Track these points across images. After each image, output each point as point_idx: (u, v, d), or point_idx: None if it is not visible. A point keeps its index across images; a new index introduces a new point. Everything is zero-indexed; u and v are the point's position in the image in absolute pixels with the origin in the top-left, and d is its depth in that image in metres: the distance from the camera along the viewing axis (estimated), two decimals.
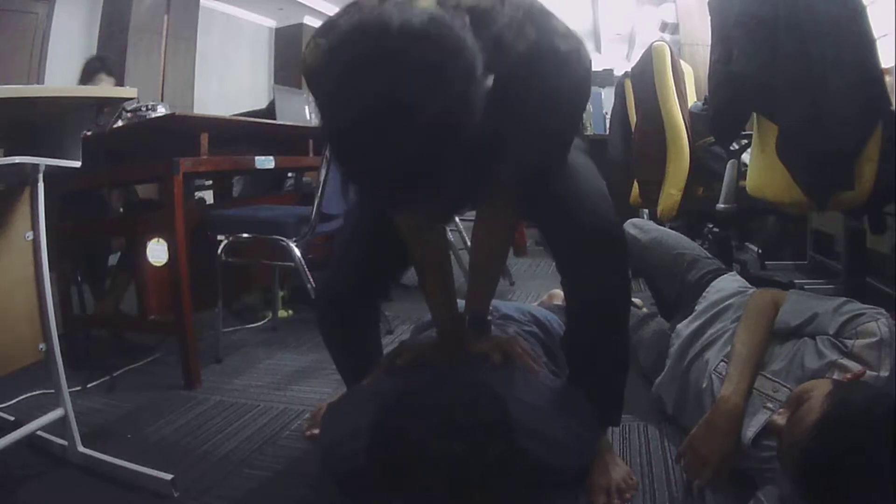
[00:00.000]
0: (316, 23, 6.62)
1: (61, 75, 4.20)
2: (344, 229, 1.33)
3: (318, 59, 0.78)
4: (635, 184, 2.82)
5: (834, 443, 0.81)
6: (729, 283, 1.49)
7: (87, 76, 2.69)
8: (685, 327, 1.41)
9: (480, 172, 0.77)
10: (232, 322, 2.33)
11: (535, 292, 2.71)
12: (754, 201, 1.67)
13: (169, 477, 1.16)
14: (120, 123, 2.17)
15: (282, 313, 2.45)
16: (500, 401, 0.85)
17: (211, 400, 1.64)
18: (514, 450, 0.81)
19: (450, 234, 2.61)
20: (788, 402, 0.93)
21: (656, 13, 6.19)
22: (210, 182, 2.95)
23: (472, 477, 0.75)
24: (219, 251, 1.92)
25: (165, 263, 1.77)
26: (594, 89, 4.48)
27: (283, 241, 1.85)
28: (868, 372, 1.00)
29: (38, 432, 1.27)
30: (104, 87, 2.55)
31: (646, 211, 3.09)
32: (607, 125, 3.63)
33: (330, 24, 0.84)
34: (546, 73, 0.82)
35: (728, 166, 1.90)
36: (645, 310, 1.91)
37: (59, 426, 1.26)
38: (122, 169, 2.02)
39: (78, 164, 1.23)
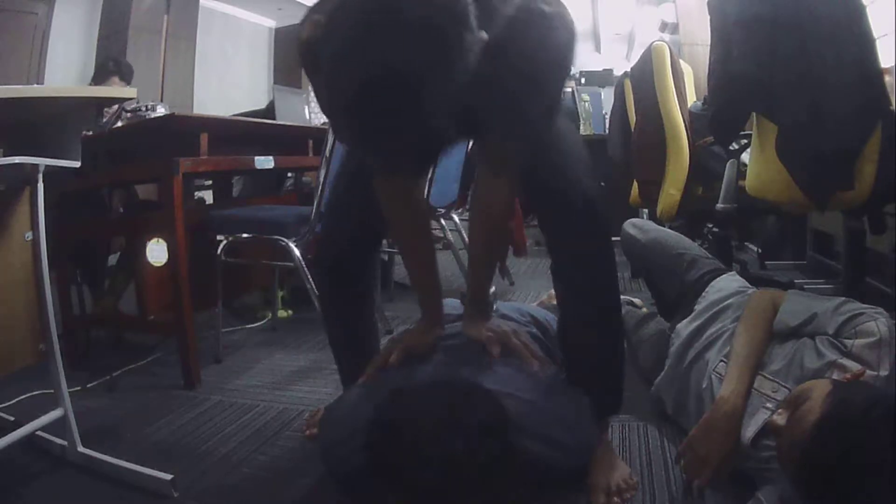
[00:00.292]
0: None
1: (61, 75, 4.20)
2: (336, 188, 1.38)
3: (318, 30, 0.79)
4: (635, 184, 2.82)
5: (833, 443, 0.81)
6: (728, 282, 1.49)
7: (101, 77, 2.71)
8: (685, 327, 1.41)
9: (470, 120, 0.85)
10: (232, 322, 2.33)
11: (534, 292, 2.71)
12: (754, 201, 1.67)
13: (169, 477, 1.16)
14: (120, 123, 2.18)
15: (281, 313, 2.45)
16: (498, 399, 0.85)
17: (211, 400, 1.64)
18: (512, 449, 0.81)
19: (449, 234, 2.62)
20: (788, 402, 0.94)
21: (656, 13, 6.19)
22: (210, 182, 2.95)
23: (469, 476, 0.75)
24: (218, 251, 1.91)
25: (165, 263, 1.77)
26: (594, 89, 4.49)
27: (282, 241, 1.85)
28: (868, 372, 1.00)
29: (38, 432, 1.27)
30: (103, 88, 2.56)
31: (645, 211, 3.09)
32: (607, 125, 3.63)
33: (322, 2, 0.86)
34: (532, 32, 0.88)
35: (728, 166, 1.90)
36: (645, 310, 1.91)
37: (59, 426, 1.26)
38: (122, 169, 2.02)
39: (78, 164, 1.23)
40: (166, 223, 1.70)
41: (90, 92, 1.72)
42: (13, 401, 1.58)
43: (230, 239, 1.92)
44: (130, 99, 2.21)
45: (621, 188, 2.93)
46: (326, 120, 2.48)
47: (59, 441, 1.29)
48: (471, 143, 2.58)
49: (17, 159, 1.13)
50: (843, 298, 1.15)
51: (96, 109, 1.95)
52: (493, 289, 1.23)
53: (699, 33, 4.23)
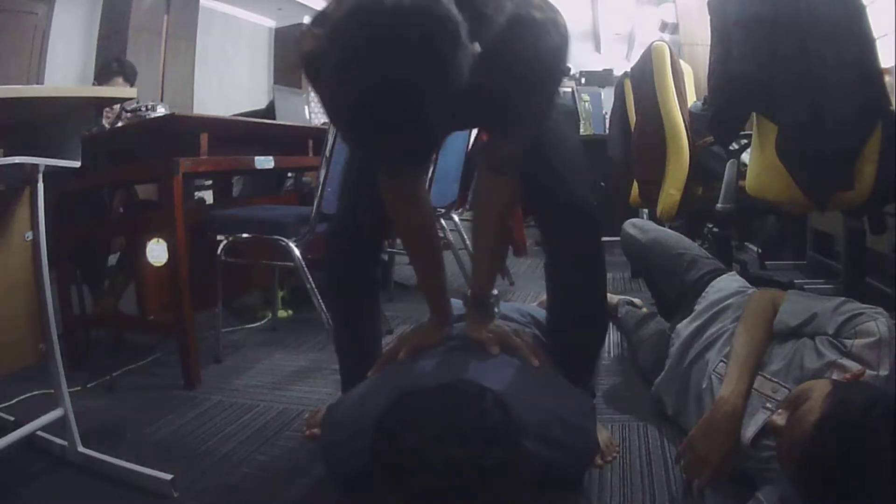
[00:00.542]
0: None
1: (61, 75, 4.20)
2: (345, 181, 1.41)
3: (319, 43, 0.82)
4: (635, 184, 2.82)
5: (833, 443, 0.81)
6: (728, 282, 1.49)
7: (105, 77, 2.70)
8: (685, 327, 1.41)
9: (467, 116, 0.92)
10: (232, 322, 2.33)
11: (534, 292, 2.71)
12: (754, 201, 1.67)
13: (169, 477, 1.16)
14: (120, 123, 2.18)
15: (281, 313, 2.45)
16: (502, 401, 0.85)
17: (211, 400, 1.64)
18: (515, 451, 0.81)
19: (449, 234, 2.62)
20: (788, 402, 0.93)
21: (656, 13, 6.19)
22: (210, 182, 2.95)
23: (473, 480, 0.75)
24: (218, 251, 1.91)
25: (165, 263, 1.77)
26: (594, 89, 4.49)
27: (282, 241, 1.85)
28: (867, 372, 1.00)
29: (38, 432, 1.27)
30: (103, 88, 2.56)
31: (645, 211, 3.08)
32: (607, 125, 3.63)
33: (323, 15, 0.89)
34: (524, 41, 0.91)
35: (728, 166, 1.90)
36: (645, 310, 1.92)
37: (59, 426, 1.26)
38: (122, 169, 2.02)
39: (78, 164, 1.23)
40: (166, 223, 1.70)
41: (90, 92, 1.72)
42: (13, 401, 1.58)
43: (230, 239, 1.92)
44: (131, 99, 2.22)
45: (621, 188, 2.93)
46: (327, 120, 2.49)
47: (59, 441, 1.29)
48: (471, 144, 2.59)
49: (17, 159, 1.13)
50: (843, 298, 1.15)
51: (96, 109, 1.95)
52: (495, 291, 1.25)
53: (699, 33, 4.23)
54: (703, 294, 1.48)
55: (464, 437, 0.75)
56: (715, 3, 1.58)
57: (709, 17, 1.60)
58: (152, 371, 1.89)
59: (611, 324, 1.93)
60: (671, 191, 2.20)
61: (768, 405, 1.04)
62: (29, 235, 1.24)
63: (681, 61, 2.34)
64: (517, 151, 1.07)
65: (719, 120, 1.63)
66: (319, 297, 1.89)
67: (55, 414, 1.24)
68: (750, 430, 1.03)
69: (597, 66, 5.95)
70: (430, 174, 2.13)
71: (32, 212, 1.24)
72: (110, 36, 4.52)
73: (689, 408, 1.29)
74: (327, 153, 1.79)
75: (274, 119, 2.62)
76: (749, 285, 1.48)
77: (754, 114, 1.51)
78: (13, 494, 1.17)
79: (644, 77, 2.30)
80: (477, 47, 0.78)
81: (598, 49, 8.04)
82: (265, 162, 2.05)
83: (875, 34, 1.27)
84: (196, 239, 1.90)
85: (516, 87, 0.93)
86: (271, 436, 1.41)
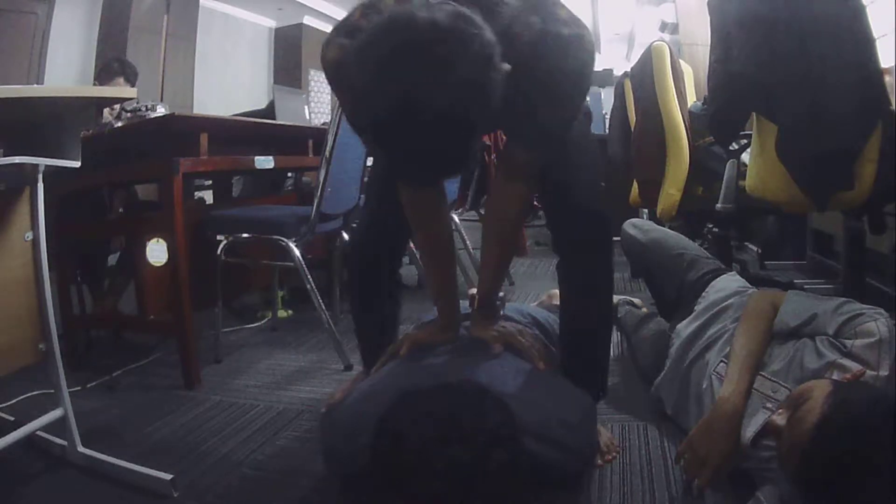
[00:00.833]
0: (316, 23, 6.64)
1: (61, 75, 4.20)
2: (369, 196, 1.45)
3: (346, 55, 0.83)
4: (635, 184, 2.82)
5: (833, 443, 0.81)
6: (729, 282, 1.49)
7: (106, 77, 2.70)
8: (685, 327, 1.41)
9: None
10: (231, 322, 2.33)
11: (534, 292, 2.71)
12: (754, 201, 1.67)
13: (169, 477, 1.16)
14: (120, 123, 2.18)
15: (281, 313, 2.45)
16: (502, 401, 0.85)
17: (211, 400, 1.64)
18: (515, 451, 0.81)
19: None
20: (788, 402, 0.93)
21: (656, 13, 6.20)
22: (210, 182, 2.95)
23: (475, 482, 0.75)
24: (218, 251, 1.92)
25: (165, 263, 1.77)
26: (594, 89, 4.49)
27: (282, 241, 1.85)
28: (868, 372, 1.00)
29: (38, 432, 1.27)
30: (103, 88, 2.56)
31: (645, 211, 3.09)
32: (607, 125, 3.63)
33: (350, 25, 0.90)
34: (551, 57, 0.91)
35: (728, 166, 1.90)
36: (645, 310, 1.91)
37: (59, 426, 1.26)
38: (122, 169, 2.02)
39: (78, 164, 1.22)
40: (166, 223, 1.70)
41: (90, 92, 1.72)
42: (13, 401, 1.58)
43: (230, 239, 1.92)
44: (130, 99, 2.21)
45: (621, 188, 2.93)
46: (326, 120, 2.49)
47: (59, 441, 1.29)
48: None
49: (17, 159, 1.13)
50: (843, 299, 1.15)
51: (96, 109, 1.95)
52: (501, 293, 1.27)
53: (699, 33, 4.23)
54: (703, 294, 1.48)
55: (464, 437, 0.75)
56: (715, 3, 1.58)
57: (709, 17, 1.60)
58: (152, 371, 1.89)
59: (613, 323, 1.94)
60: (671, 191, 2.20)
61: (768, 405, 1.04)
62: (29, 235, 1.24)
63: (681, 61, 2.34)
64: (537, 161, 1.08)
65: (719, 120, 1.63)
66: (319, 297, 1.89)
67: (55, 414, 1.24)
68: (750, 430, 1.03)
69: (597, 66, 5.93)
70: None
71: (32, 212, 1.24)
72: (110, 36, 4.52)
73: (689, 408, 1.29)
74: (327, 153, 1.79)
75: (274, 119, 2.62)
76: (749, 285, 1.48)
77: (754, 114, 1.51)
78: (13, 494, 1.17)
79: (644, 77, 2.30)
80: (507, 66, 0.78)
81: (598, 49, 8.04)
82: (265, 162, 2.05)
83: (875, 34, 1.27)
84: (196, 239, 1.90)
85: (542, 102, 0.94)
86: (271, 436, 1.41)
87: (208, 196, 3.01)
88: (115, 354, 2.01)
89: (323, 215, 1.88)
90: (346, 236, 2.15)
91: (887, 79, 1.35)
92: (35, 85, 3.79)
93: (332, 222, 2.04)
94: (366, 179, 1.94)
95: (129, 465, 1.21)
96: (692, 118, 2.19)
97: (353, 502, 1.06)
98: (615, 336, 1.98)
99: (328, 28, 1.67)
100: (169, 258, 1.74)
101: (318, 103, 6.52)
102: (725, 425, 1.05)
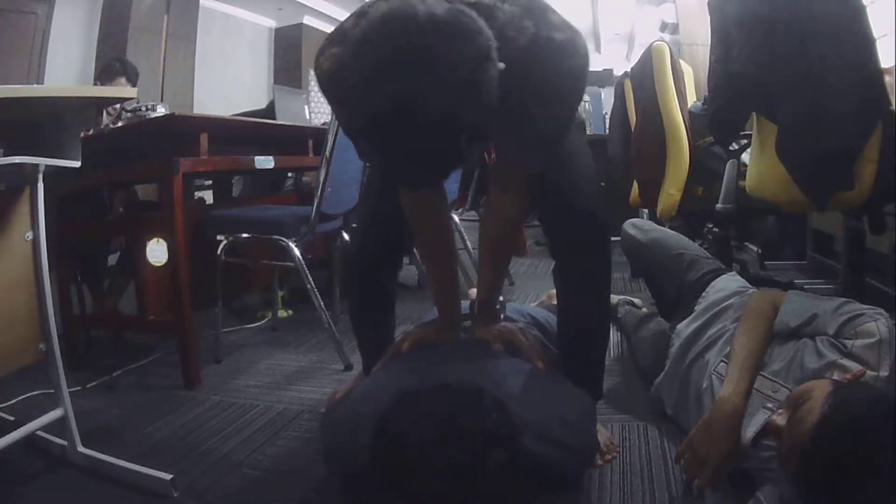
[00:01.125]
0: (316, 23, 6.63)
1: (61, 75, 4.20)
2: (367, 198, 1.45)
3: (338, 61, 0.81)
4: (635, 184, 2.82)
5: (833, 443, 0.81)
6: (729, 282, 1.49)
7: (107, 77, 2.70)
8: (685, 327, 1.41)
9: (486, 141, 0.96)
10: (231, 322, 2.33)
11: (534, 292, 2.71)
12: (754, 201, 1.67)
13: (169, 477, 1.16)
14: (120, 123, 2.18)
15: (281, 313, 2.45)
16: (502, 401, 0.85)
17: (211, 400, 1.64)
18: (515, 451, 0.81)
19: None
20: (788, 402, 0.94)
21: (656, 13, 6.20)
22: (210, 182, 2.95)
23: (474, 482, 0.75)
24: (218, 251, 1.92)
25: (165, 263, 1.77)
26: (594, 89, 4.49)
27: (282, 241, 1.85)
28: (868, 372, 1.00)
29: (38, 432, 1.27)
30: (103, 88, 2.56)
31: (645, 211, 3.09)
32: (607, 125, 3.63)
33: (341, 33, 0.87)
34: (544, 62, 0.91)
35: (728, 166, 1.90)
36: (645, 310, 1.92)
37: (59, 426, 1.26)
38: (122, 169, 2.02)
39: (78, 163, 1.22)
40: (166, 223, 1.70)
41: (90, 92, 1.72)
42: (13, 401, 1.58)
43: (230, 239, 1.92)
44: (130, 99, 2.21)
45: (621, 188, 2.93)
46: (327, 120, 2.48)
47: (59, 441, 1.29)
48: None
49: (17, 159, 1.13)
50: (844, 299, 1.15)
51: (96, 109, 1.95)
52: (501, 297, 1.27)
53: (699, 33, 4.23)
54: (703, 294, 1.48)
55: (464, 437, 0.75)
56: (715, 3, 1.58)
57: (709, 17, 1.60)
58: (152, 371, 1.89)
59: (611, 324, 1.93)
60: (671, 191, 2.20)
61: (769, 405, 1.04)
62: (29, 235, 1.24)
63: (681, 61, 2.34)
64: (530, 169, 1.08)
65: (719, 120, 1.63)
66: (319, 297, 1.89)
67: (55, 414, 1.24)
68: (750, 430, 1.03)
69: (597, 66, 5.94)
70: None
71: (32, 212, 1.24)
72: (110, 36, 4.52)
73: (689, 408, 1.29)
74: (327, 153, 1.79)
75: (274, 119, 2.62)
76: (749, 285, 1.48)
77: (754, 114, 1.51)
78: (13, 494, 1.17)
79: (644, 77, 2.30)
80: (501, 65, 0.78)
81: (598, 49, 8.05)
82: (265, 162, 2.05)
83: (875, 34, 1.27)
84: (196, 239, 1.90)
85: (535, 106, 0.93)
86: (271, 436, 1.41)
87: (208, 196, 3.01)
88: (115, 354, 2.01)
89: (323, 215, 1.88)
90: (346, 236, 2.15)
91: (887, 79, 1.35)
92: (35, 85, 3.79)
93: (332, 222, 2.04)
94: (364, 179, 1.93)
95: (129, 465, 1.21)
96: (692, 118, 2.19)
97: (353, 502, 1.06)
98: (615, 336, 1.98)
99: (328, 28, 1.67)
100: (169, 258, 1.74)
101: (318, 103, 6.50)
102: (725, 425, 1.05)
